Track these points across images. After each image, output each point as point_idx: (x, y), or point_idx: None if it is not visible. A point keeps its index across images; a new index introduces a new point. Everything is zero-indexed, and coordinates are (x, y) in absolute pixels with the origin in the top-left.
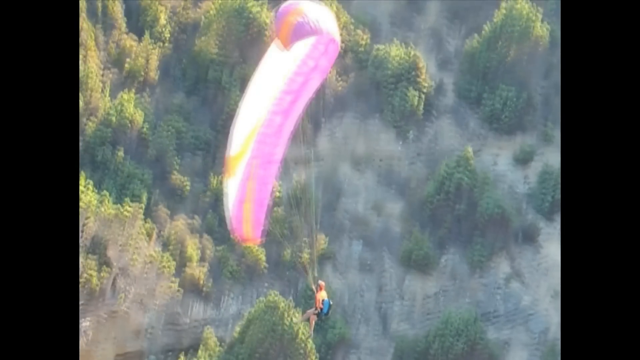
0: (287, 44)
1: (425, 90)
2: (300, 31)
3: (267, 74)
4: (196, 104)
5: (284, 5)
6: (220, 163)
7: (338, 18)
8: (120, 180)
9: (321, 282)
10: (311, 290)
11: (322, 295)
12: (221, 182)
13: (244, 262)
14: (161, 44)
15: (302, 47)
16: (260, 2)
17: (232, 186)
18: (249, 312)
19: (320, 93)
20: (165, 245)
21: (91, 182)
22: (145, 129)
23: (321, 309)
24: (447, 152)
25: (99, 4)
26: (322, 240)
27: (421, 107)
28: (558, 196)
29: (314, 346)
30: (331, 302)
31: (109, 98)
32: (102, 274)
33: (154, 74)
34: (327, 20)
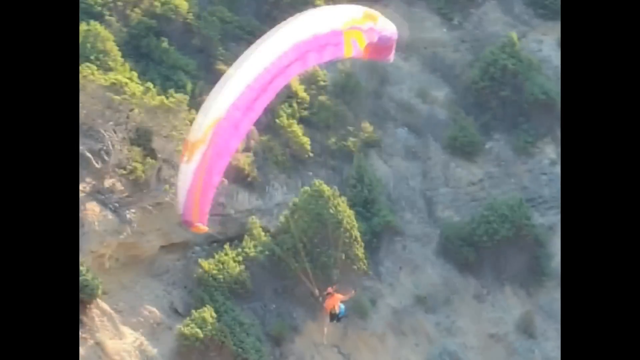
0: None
1: None
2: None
3: (245, 61)
4: None
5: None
6: None
7: None
8: (165, 70)
9: (330, 289)
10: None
11: (335, 299)
12: None
13: (288, 150)
14: None
15: (291, 39)
16: None
17: (187, 171)
18: (294, 200)
19: None
20: None
21: (135, 72)
22: (189, 19)
23: (336, 313)
24: (491, 38)
25: None
26: (367, 127)
27: None
28: None
29: (359, 233)
30: (344, 307)
31: None
32: (146, 165)
33: None
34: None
